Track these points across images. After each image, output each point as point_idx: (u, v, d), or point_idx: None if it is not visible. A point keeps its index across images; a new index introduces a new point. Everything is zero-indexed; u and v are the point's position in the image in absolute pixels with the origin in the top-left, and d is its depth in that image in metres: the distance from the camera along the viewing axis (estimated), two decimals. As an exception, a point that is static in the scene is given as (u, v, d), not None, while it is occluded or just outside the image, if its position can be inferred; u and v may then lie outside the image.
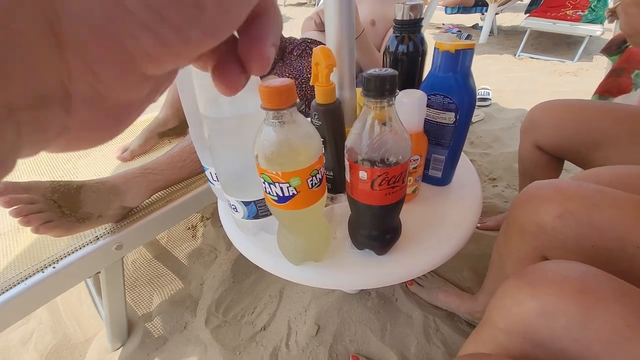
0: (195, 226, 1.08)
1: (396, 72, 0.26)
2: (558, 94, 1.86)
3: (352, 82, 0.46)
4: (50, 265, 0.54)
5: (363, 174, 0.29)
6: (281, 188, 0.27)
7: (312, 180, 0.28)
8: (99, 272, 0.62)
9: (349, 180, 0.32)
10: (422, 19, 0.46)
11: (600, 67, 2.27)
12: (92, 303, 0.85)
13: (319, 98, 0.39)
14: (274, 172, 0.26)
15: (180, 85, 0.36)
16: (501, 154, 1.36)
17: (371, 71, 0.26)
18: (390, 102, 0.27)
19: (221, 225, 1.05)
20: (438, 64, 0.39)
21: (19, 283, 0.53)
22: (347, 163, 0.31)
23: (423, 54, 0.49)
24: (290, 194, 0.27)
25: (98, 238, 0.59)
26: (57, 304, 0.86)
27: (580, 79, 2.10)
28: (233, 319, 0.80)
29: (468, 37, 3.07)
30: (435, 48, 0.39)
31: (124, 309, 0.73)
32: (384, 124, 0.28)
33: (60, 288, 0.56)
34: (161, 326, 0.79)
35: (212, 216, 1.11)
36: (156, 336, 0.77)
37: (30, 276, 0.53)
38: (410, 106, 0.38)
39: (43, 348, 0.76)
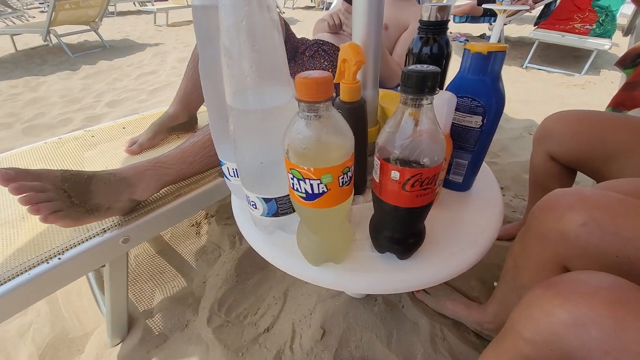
0: (199, 223, 1.07)
1: (438, 70, 0.25)
2: (567, 106, 1.86)
3: (375, 82, 0.45)
4: (55, 256, 0.53)
5: (395, 174, 0.28)
6: (311, 185, 0.26)
7: (343, 177, 0.27)
8: (103, 266, 0.61)
9: (377, 180, 0.31)
10: (449, 20, 0.46)
11: (607, 81, 2.28)
12: (93, 297, 0.83)
13: (344, 96, 0.38)
14: (306, 168, 0.25)
15: (204, 77, 0.35)
16: (509, 163, 1.35)
17: (412, 67, 0.25)
18: (430, 101, 0.26)
19: (225, 223, 1.05)
20: (467, 66, 0.38)
21: (22, 273, 0.51)
22: (377, 162, 0.30)
23: (447, 56, 0.48)
24: (320, 191, 0.26)
25: (105, 230, 0.57)
26: (57, 297, 0.84)
27: (588, 92, 2.10)
28: (236, 319, 0.78)
29: (475, 46, 3.08)
30: (465, 49, 0.38)
31: (126, 305, 0.71)
32: (421, 123, 0.27)
33: (65, 280, 0.55)
34: (162, 323, 0.77)
35: (217, 214, 1.10)
36: (157, 333, 0.75)
37: (35, 266, 0.52)
38: (439, 107, 0.36)
39: (40, 341, 0.75)
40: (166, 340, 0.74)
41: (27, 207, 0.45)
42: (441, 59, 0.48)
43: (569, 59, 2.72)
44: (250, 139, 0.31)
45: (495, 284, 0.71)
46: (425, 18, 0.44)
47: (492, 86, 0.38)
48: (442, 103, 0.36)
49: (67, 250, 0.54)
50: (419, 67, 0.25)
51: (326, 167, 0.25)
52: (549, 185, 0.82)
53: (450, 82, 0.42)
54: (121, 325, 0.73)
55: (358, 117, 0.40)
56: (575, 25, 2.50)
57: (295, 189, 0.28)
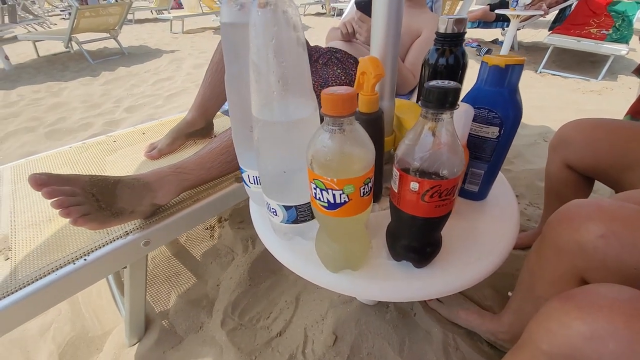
0: (214, 227, 1.09)
1: (459, 86, 0.25)
2: (583, 112, 1.83)
3: (392, 93, 0.46)
4: (81, 257, 0.55)
5: (414, 185, 0.29)
6: (334, 195, 0.27)
7: (364, 188, 0.28)
8: (125, 267, 0.63)
9: (396, 190, 0.32)
10: (465, 32, 0.46)
11: (625, 87, 2.23)
12: (112, 297, 0.86)
13: (363, 107, 0.39)
14: (329, 179, 0.26)
15: (230, 90, 0.36)
16: (523, 170, 1.33)
17: (433, 82, 0.26)
18: (450, 115, 0.27)
19: (238, 227, 1.07)
20: (485, 78, 0.39)
21: (49, 273, 0.54)
22: (396, 172, 0.31)
23: (464, 67, 0.48)
24: (342, 201, 0.27)
25: (128, 233, 0.60)
26: (78, 296, 0.87)
27: (604, 98, 2.06)
28: (249, 322, 0.79)
29: (488, 51, 3.06)
30: (483, 62, 0.39)
31: (144, 305, 0.73)
32: (440, 136, 0.27)
33: (89, 280, 0.57)
34: (177, 325, 0.79)
35: (230, 218, 1.12)
36: (172, 334, 0.77)
37: (62, 267, 0.54)
38: (456, 118, 0.37)
39: (61, 339, 0.77)
40: (181, 342, 0.76)
41: (58, 210, 0.47)
42: (457, 69, 0.48)
43: (585, 64, 2.67)
44: (274, 149, 0.32)
45: (509, 293, 0.70)
46: (442, 30, 0.45)
47: (509, 98, 0.38)
48: (460, 114, 0.37)
49: (93, 251, 0.57)
50: (440, 82, 0.26)
51: (349, 178, 0.26)
52: (565, 194, 0.81)
53: (468, 93, 0.43)
54: (139, 326, 0.75)
55: (376, 127, 0.41)
56: (592, 30, 2.45)
57: (318, 198, 0.29)
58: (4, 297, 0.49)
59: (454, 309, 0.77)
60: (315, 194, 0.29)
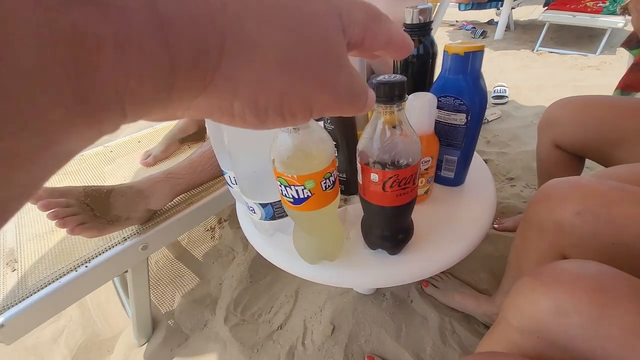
0: (214, 228, 1.12)
1: (405, 79, 0.27)
2: (580, 90, 1.80)
3: (363, 87, 0.47)
4: (82, 264, 0.58)
5: (374, 176, 0.30)
6: (296, 190, 0.29)
7: (325, 182, 0.29)
8: (127, 271, 0.66)
9: (361, 183, 0.33)
10: (432, 22, 0.47)
11: (623, 60, 2.17)
12: (119, 301, 0.90)
13: (332, 103, 0.40)
14: (290, 176, 0.28)
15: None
16: (519, 152, 1.32)
17: (380, 78, 0.27)
18: (400, 107, 0.28)
19: (238, 227, 1.09)
20: (448, 67, 0.40)
21: (54, 281, 0.57)
22: (359, 166, 0.32)
23: (433, 56, 0.49)
24: (305, 195, 0.29)
25: (125, 239, 0.62)
26: (87, 302, 0.91)
27: (603, 72, 2.01)
28: (251, 317, 0.82)
29: (483, 33, 3.01)
30: (444, 51, 0.40)
31: (149, 307, 0.76)
32: (394, 127, 0.29)
33: (92, 286, 0.60)
34: (183, 323, 0.82)
35: (230, 218, 1.15)
36: (178, 333, 0.80)
37: (65, 275, 0.57)
38: (420, 109, 0.38)
39: (73, 344, 0.81)
40: (187, 339, 0.79)
41: (54, 221, 0.50)
42: (427, 58, 0.49)
43: (584, 38, 2.60)
44: (243, 150, 0.34)
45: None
46: (408, 21, 0.46)
47: (473, 85, 0.39)
48: (424, 104, 0.38)
49: (93, 258, 0.59)
50: (387, 77, 0.27)
51: (308, 174, 0.28)
52: (557, 174, 0.81)
53: (434, 82, 0.44)
54: (146, 326, 0.78)
55: (346, 122, 0.42)
56: (588, 4, 2.39)
57: (284, 194, 0.30)
58: (13, 305, 0.53)
59: (450, 294, 0.78)
60: (282, 190, 0.31)
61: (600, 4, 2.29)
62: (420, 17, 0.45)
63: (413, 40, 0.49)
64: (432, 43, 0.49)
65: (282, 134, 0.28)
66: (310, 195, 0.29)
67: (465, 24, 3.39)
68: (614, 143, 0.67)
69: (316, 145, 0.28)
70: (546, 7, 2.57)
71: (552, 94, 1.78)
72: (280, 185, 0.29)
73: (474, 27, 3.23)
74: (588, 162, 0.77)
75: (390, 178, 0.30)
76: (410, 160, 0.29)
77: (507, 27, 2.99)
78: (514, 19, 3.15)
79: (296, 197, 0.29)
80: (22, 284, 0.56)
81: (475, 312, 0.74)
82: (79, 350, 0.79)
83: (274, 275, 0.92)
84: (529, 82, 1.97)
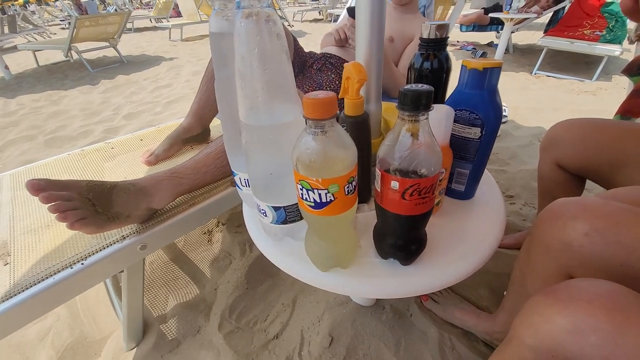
0: (211, 231, 1.10)
1: (432, 88, 0.27)
2: (577, 113, 1.84)
3: (378, 97, 0.48)
4: (79, 261, 0.56)
5: (395, 184, 0.30)
6: (319, 194, 0.28)
7: (348, 187, 0.29)
8: (122, 272, 0.64)
9: (379, 190, 0.33)
10: (448, 37, 0.48)
11: (619, 87, 2.25)
12: (110, 302, 0.87)
13: (349, 110, 0.40)
14: (314, 179, 0.28)
15: (220, 96, 0.38)
16: (519, 171, 1.34)
17: (408, 86, 0.27)
18: (425, 116, 0.28)
19: (235, 232, 1.08)
20: (465, 81, 0.41)
21: (47, 277, 0.55)
22: (378, 173, 0.32)
23: (447, 71, 0.50)
24: (328, 200, 0.28)
25: (124, 237, 0.61)
26: (76, 302, 0.88)
27: (599, 98, 2.07)
28: (246, 325, 0.80)
29: (483, 54, 3.09)
30: (462, 66, 0.41)
31: (141, 310, 0.74)
32: (418, 136, 0.29)
33: (86, 284, 0.58)
34: (175, 329, 0.80)
35: (228, 222, 1.13)
36: (170, 338, 0.78)
37: (59, 271, 0.55)
38: (437, 120, 0.39)
39: (60, 344, 0.78)
40: (179, 345, 0.76)
41: (55, 214, 0.48)
42: (441, 73, 0.50)
43: (580, 65, 2.69)
44: (261, 152, 0.34)
45: (505, 293, 0.71)
46: (425, 36, 0.47)
47: (489, 100, 0.40)
48: (441, 116, 0.38)
49: (89, 256, 0.58)
50: (414, 86, 0.27)
51: (333, 178, 0.28)
52: (557, 193, 0.82)
53: (450, 96, 0.44)
54: (137, 330, 0.76)
55: (362, 129, 0.42)
56: (585, 32, 2.48)
57: (304, 198, 0.30)
58: (3, 301, 0.50)
59: (449, 309, 0.77)
60: (302, 194, 0.30)
61: (597, 33, 2.38)
62: (437, 33, 0.46)
63: (428, 54, 0.50)
64: (447, 58, 0.49)
65: (307, 136, 0.28)
66: (332, 199, 0.28)
67: (466, 44, 3.49)
68: (616, 165, 0.68)
69: (342, 148, 0.28)
70: (545, 33, 2.66)
71: (551, 116, 1.82)
72: (302, 189, 0.29)
73: (474, 48, 3.32)
74: (587, 183, 0.78)
75: (411, 186, 0.30)
76: (432, 169, 0.29)
77: (507, 50, 3.08)
78: (512, 42, 3.26)
79: (318, 201, 0.29)
80: (14, 278, 0.54)
81: (475, 329, 0.73)
82: (65, 351, 0.76)
83: (270, 283, 0.90)
84: (528, 103, 2.02)
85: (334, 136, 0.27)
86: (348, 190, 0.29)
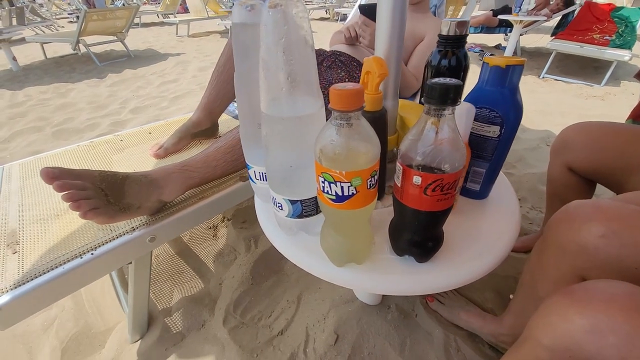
0: (217, 226, 1.10)
1: (461, 83, 0.26)
2: (585, 117, 1.83)
3: (395, 93, 0.47)
4: (88, 251, 0.56)
5: (417, 179, 0.30)
6: (342, 187, 0.28)
7: (370, 180, 0.29)
8: (130, 263, 0.64)
9: (399, 185, 0.33)
10: (467, 35, 0.48)
11: (628, 92, 2.23)
12: (115, 294, 0.87)
13: (367, 105, 0.40)
14: (337, 172, 0.27)
15: (239, 88, 0.38)
16: (525, 174, 1.34)
17: (435, 79, 0.27)
18: (451, 111, 0.28)
19: (241, 227, 1.08)
20: (486, 78, 0.40)
21: (57, 267, 0.54)
22: (399, 167, 0.32)
23: (465, 69, 0.49)
24: (350, 193, 0.28)
25: (134, 229, 0.61)
26: (81, 293, 0.88)
27: (607, 103, 2.06)
28: (250, 320, 0.80)
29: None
30: (484, 63, 0.40)
31: (147, 302, 0.74)
32: (443, 131, 0.28)
33: (95, 275, 0.58)
34: (180, 322, 0.80)
35: (233, 217, 1.13)
36: (175, 332, 0.78)
37: (69, 261, 0.55)
38: (458, 117, 0.38)
39: (64, 335, 0.78)
40: (183, 339, 0.76)
41: (68, 203, 0.48)
42: (459, 71, 0.49)
43: (589, 69, 2.67)
44: (281, 144, 0.33)
45: (511, 296, 0.70)
46: (444, 32, 0.46)
47: (510, 98, 0.39)
48: (461, 113, 0.38)
49: (99, 246, 0.58)
50: (442, 80, 0.27)
51: (356, 171, 0.27)
52: (567, 197, 0.81)
53: (469, 93, 0.44)
54: (142, 322, 0.76)
55: (379, 125, 0.42)
56: (594, 36, 2.47)
57: (326, 191, 0.30)
58: (12, 289, 0.50)
59: (455, 311, 0.77)
60: (324, 187, 0.30)
61: (607, 37, 2.37)
62: (457, 30, 0.46)
63: (447, 52, 0.50)
64: (465, 56, 0.49)
65: (331, 128, 0.27)
66: (355, 192, 0.28)
67: (473, 45, 3.47)
68: (626, 170, 0.68)
69: (366, 141, 0.27)
70: (554, 37, 2.64)
71: (558, 120, 1.81)
72: (324, 182, 0.29)
73: (482, 50, 3.31)
74: (597, 188, 0.78)
75: (434, 182, 0.29)
76: (457, 165, 0.29)
77: (514, 53, 3.06)
78: (520, 45, 3.24)
79: (340, 194, 0.28)
80: (23, 267, 0.54)
81: (480, 331, 0.73)
82: (69, 342, 0.76)
83: (275, 279, 0.90)
84: (536, 106, 2.01)
85: (359, 128, 0.27)
86: (370, 184, 0.29)
